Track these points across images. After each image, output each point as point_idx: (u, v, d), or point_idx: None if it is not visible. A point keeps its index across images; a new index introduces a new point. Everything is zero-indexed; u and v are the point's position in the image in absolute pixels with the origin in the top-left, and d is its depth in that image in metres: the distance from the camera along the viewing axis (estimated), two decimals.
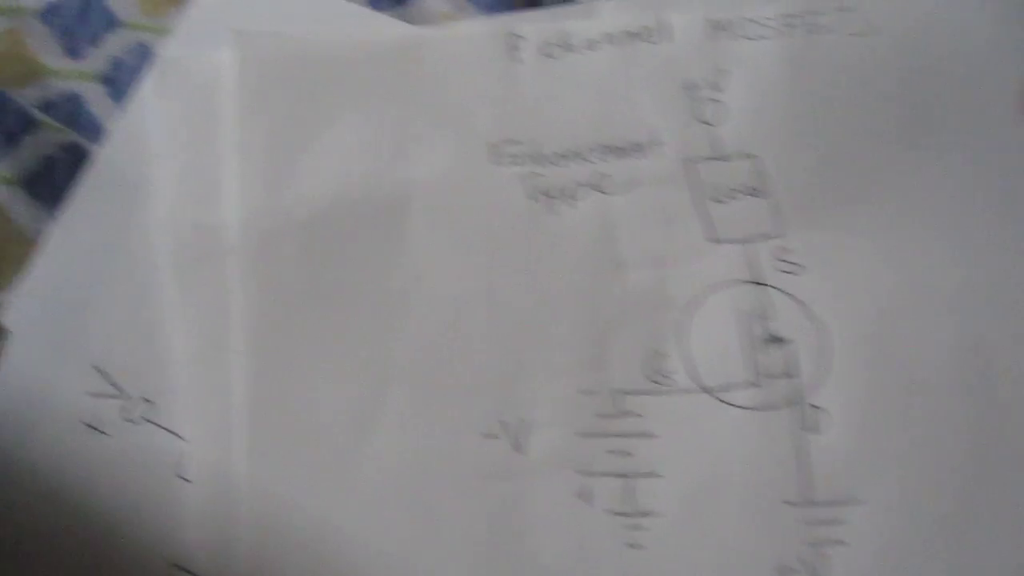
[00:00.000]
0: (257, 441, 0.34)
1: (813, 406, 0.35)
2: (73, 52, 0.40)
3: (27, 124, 0.37)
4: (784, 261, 0.37)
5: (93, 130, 0.39)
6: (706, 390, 0.36)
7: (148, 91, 0.39)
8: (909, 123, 0.38)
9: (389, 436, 0.35)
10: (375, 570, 0.34)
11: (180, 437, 0.35)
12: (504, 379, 0.36)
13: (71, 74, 0.40)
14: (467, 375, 0.35)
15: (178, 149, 0.38)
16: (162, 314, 0.36)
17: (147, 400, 0.35)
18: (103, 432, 0.35)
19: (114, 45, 0.41)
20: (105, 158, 0.38)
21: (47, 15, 0.41)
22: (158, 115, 0.38)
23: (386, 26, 0.40)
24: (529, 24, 0.40)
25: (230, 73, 0.38)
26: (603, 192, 0.38)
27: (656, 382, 0.36)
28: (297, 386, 0.35)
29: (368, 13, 0.41)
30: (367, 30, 0.40)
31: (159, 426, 0.35)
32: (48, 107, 0.39)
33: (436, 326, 0.36)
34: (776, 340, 0.36)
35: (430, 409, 0.35)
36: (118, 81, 0.40)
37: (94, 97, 0.40)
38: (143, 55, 0.40)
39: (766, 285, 0.37)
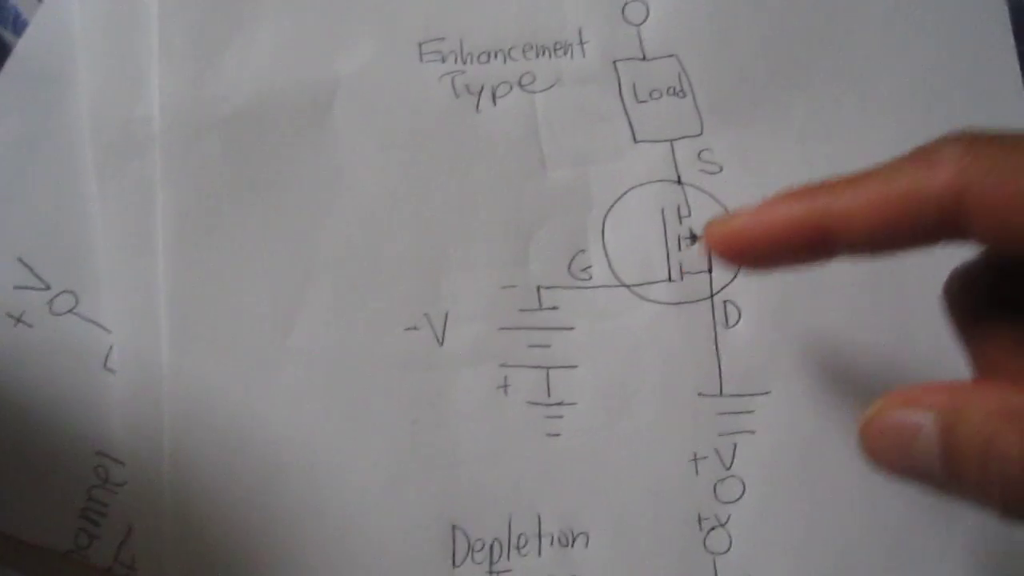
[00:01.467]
0: (180, 332, 0.35)
1: (726, 301, 0.36)
2: None
3: None
4: (703, 161, 0.38)
5: (15, 23, 0.38)
6: (624, 285, 0.36)
7: None
8: (829, 26, 0.39)
9: (311, 328, 0.35)
10: (298, 460, 0.35)
11: (105, 329, 0.35)
12: (427, 274, 0.36)
13: None
14: (390, 269, 0.36)
15: (101, 41, 0.37)
16: (87, 207, 0.36)
17: (72, 293, 0.35)
18: (27, 324, 0.35)
19: None
20: (25, 50, 0.37)
21: None
22: (80, 6, 0.38)
23: None
24: None
25: None
26: (526, 90, 0.38)
27: (576, 277, 0.36)
28: (220, 279, 0.35)
29: None
30: None
31: (84, 318, 0.35)
32: None
33: (359, 220, 0.36)
34: (694, 238, 0.37)
35: (353, 302, 0.36)
36: None
37: None
38: None
39: (685, 184, 0.37)
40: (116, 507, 0.34)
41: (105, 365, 0.35)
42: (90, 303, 0.35)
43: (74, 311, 0.35)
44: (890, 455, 0.25)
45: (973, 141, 0.25)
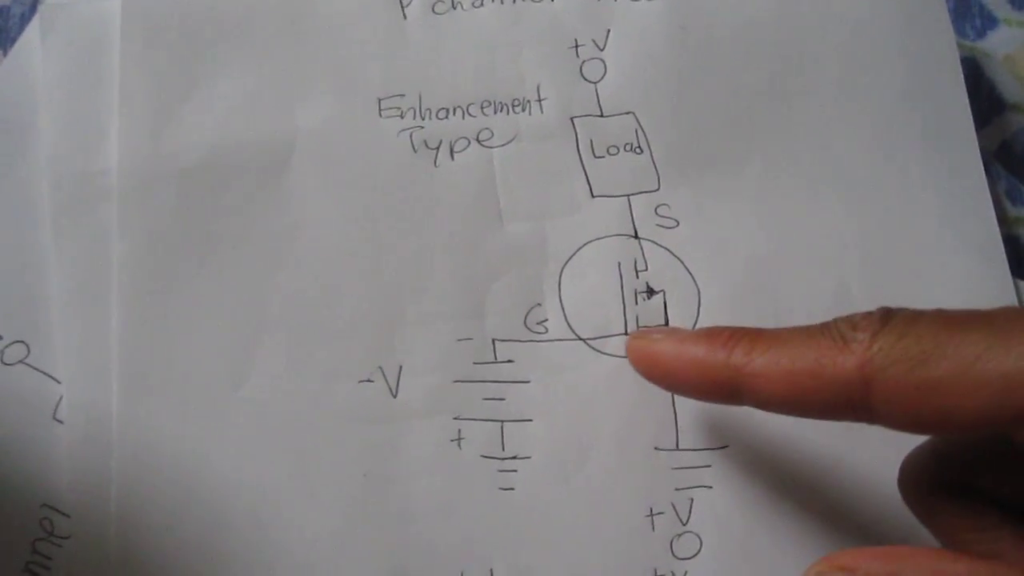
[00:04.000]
0: (130, 383, 0.35)
1: None
2: None
3: None
4: (660, 215, 0.38)
5: None
6: (580, 338, 0.36)
7: (33, 35, 0.38)
8: (784, 81, 0.39)
9: (263, 379, 0.35)
10: (247, 513, 0.34)
11: (55, 380, 0.35)
12: (382, 326, 0.36)
13: None
14: (344, 322, 0.36)
15: (62, 94, 0.38)
16: (42, 258, 0.36)
17: (24, 343, 0.35)
18: None
19: None
20: None
21: None
22: (42, 59, 0.38)
23: None
24: None
25: (116, 19, 0.38)
26: (484, 145, 0.38)
27: (532, 330, 0.36)
28: (172, 331, 0.35)
29: None
30: None
31: (35, 368, 0.35)
32: None
33: (314, 274, 0.36)
34: (650, 292, 0.37)
35: (306, 354, 0.36)
36: (5, 28, 0.40)
37: None
38: (32, 2, 0.40)
39: (642, 238, 0.37)
40: (61, 560, 0.34)
41: (54, 416, 0.35)
42: (41, 353, 0.35)
43: (25, 361, 0.35)
44: None
45: (886, 323, 0.25)
